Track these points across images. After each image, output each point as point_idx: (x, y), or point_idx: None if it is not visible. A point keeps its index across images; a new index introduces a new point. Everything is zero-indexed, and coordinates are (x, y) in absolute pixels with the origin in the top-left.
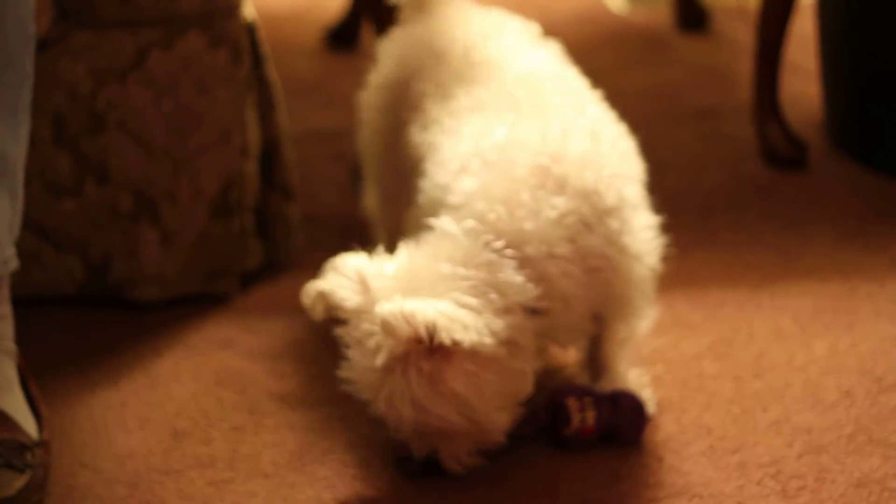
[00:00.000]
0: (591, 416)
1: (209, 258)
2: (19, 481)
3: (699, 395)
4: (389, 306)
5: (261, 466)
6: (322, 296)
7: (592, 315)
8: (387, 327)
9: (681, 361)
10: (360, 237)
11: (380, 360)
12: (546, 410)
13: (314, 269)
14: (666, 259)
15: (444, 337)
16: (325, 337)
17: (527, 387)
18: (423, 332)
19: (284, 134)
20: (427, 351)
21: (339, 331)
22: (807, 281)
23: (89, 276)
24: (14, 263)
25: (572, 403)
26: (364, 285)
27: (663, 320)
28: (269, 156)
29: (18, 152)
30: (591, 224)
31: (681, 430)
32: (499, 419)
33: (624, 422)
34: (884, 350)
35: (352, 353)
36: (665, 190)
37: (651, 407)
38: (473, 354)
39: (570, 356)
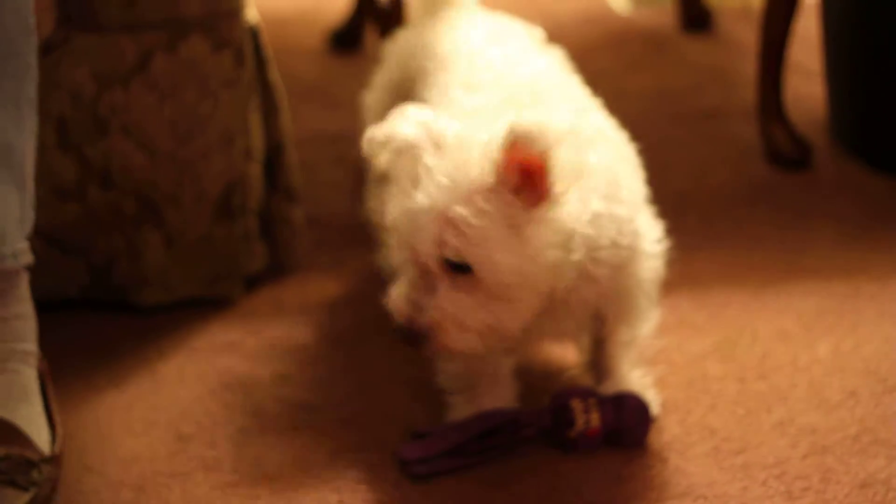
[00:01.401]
0: (595, 418)
1: (213, 261)
2: (21, 500)
3: (703, 397)
4: (526, 118)
5: (266, 469)
6: (387, 138)
7: (594, 311)
8: (524, 135)
9: (685, 362)
10: (364, 240)
11: (467, 182)
12: (550, 412)
13: (318, 272)
14: (670, 260)
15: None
16: (330, 339)
17: (557, 282)
18: (552, 147)
19: (288, 137)
20: (515, 188)
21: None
22: (811, 281)
23: (93, 279)
24: (26, 257)
25: (576, 405)
26: (428, 127)
27: (667, 321)
28: (273, 159)
29: (24, 144)
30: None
31: (685, 431)
32: (528, 303)
33: (628, 423)
34: (888, 351)
35: (403, 187)
36: (669, 191)
37: (655, 408)
38: (552, 219)
39: (573, 358)
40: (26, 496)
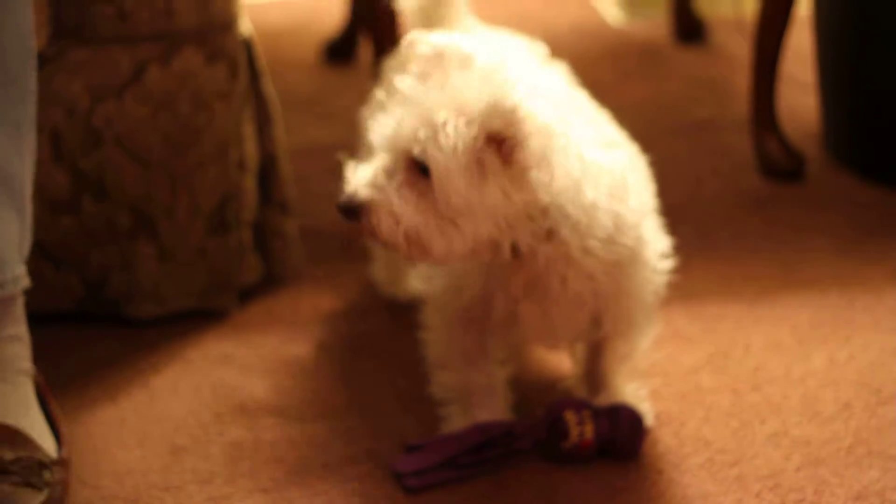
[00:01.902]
0: (589, 430)
1: (207, 274)
2: (37, 499)
3: (697, 408)
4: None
5: (260, 482)
6: (423, 42)
7: (591, 316)
8: (500, 113)
9: (679, 374)
10: (358, 252)
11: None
12: (544, 424)
13: (312, 284)
14: (667, 279)
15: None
16: (324, 352)
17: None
18: None
19: (282, 148)
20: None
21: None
22: (805, 293)
23: (87, 292)
24: (25, 281)
25: (570, 417)
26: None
27: (661, 333)
28: (267, 170)
29: (24, 169)
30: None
31: (679, 443)
32: (465, 235)
33: (622, 435)
34: (882, 362)
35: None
36: (663, 202)
37: (649, 420)
38: (521, 181)
39: (567, 370)
40: (42, 496)
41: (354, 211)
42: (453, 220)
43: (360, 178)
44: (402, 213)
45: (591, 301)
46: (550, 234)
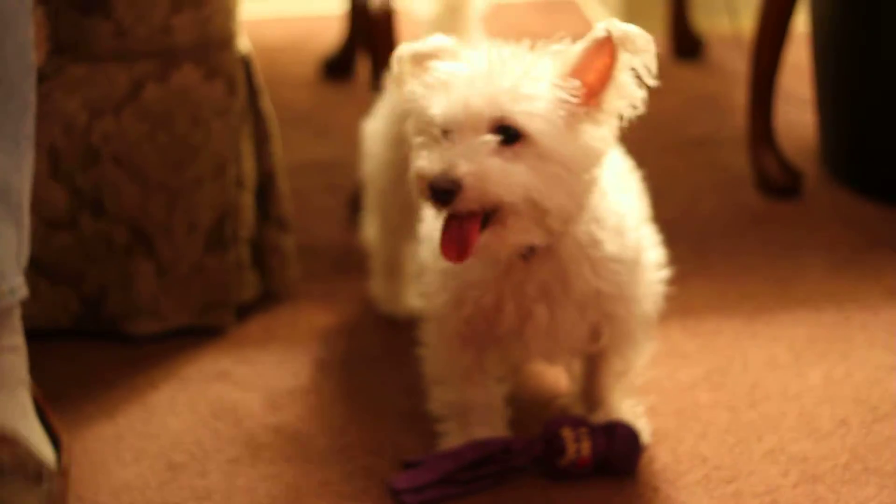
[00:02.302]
0: (586, 447)
1: (204, 290)
2: (34, 494)
3: (694, 425)
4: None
5: (257, 499)
6: (414, 55)
7: (592, 327)
8: (621, 35)
9: (676, 391)
10: (356, 268)
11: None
12: (541, 441)
13: (310, 301)
14: (664, 290)
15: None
16: (321, 368)
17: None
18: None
19: (279, 165)
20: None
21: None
22: (801, 310)
23: (84, 308)
24: (23, 292)
25: (567, 434)
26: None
27: (658, 350)
28: (265, 187)
29: (22, 182)
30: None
31: (676, 459)
32: (563, 189)
33: (619, 452)
34: (878, 379)
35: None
36: (660, 218)
37: (646, 437)
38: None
39: (564, 387)
40: (40, 500)
41: (454, 188)
42: (558, 175)
43: (439, 158)
44: (509, 172)
45: (595, 304)
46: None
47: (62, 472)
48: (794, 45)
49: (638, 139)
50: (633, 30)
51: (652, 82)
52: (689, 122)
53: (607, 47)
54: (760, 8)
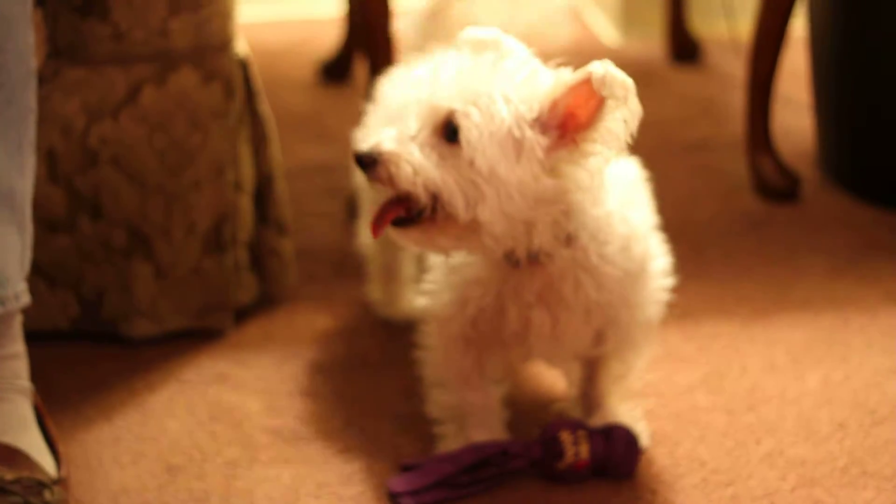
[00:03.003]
0: (584, 450)
1: (203, 293)
2: None
3: (692, 428)
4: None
5: (255, 501)
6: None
7: (596, 332)
8: (601, 79)
9: (674, 394)
10: (354, 272)
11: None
12: (539, 444)
13: (308, 304)
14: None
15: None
16: (319, 371)
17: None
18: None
19: (278, 168)
20: (551, 125)
21: None
22: (800, 313)
23: (83, 311)
24: (26, 298)
25: (566, 437)
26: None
27: (657, 353)
28: (263, 191)
29: (25, 187)
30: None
31: (674, 463)
32: (485, 209)
33: (617, 455)
34: (877, 382)
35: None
36: (658, 222)
37: (644, 440)
38: (557, 172)
39: (562, 390)
40: (41, 502)
41: (374, 160)
42: (477, 185)
43: (382, 134)
44: (422, 165)
45: (599, 312)
46: (570, 240)
47: (62, 482)
48: (792, 49)
49: (636, 143)
50: (617, 75)
51: (626, 139)
52: (686, 127)
53: (590, 88)
54: (758, 12)
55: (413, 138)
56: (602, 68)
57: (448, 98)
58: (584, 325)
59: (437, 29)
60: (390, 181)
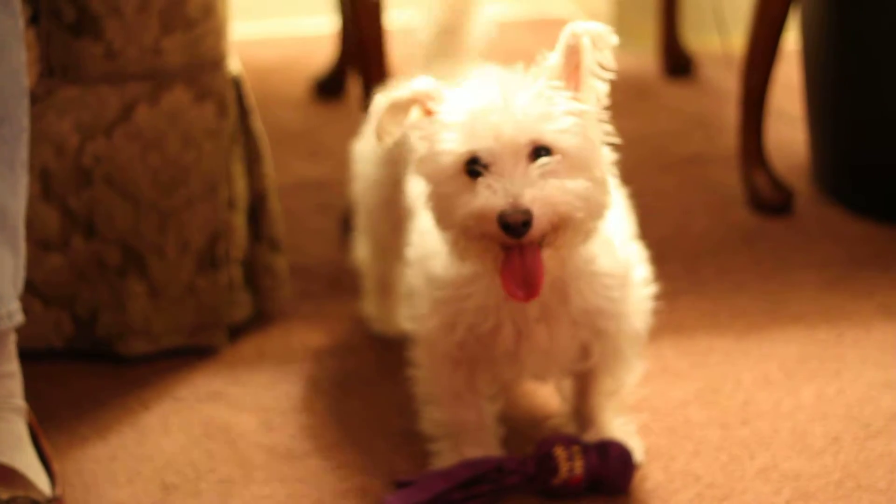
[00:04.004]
0: (579, 466)
1: (197, 311)
2: None
3: (687, 443)
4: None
5: None
6: (394, 105)
7: (582, 349)
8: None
9: (668, 409)
10: (348, 288)
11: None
12: (534, 460)
13: (302, 321)
14: (653, 306)
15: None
16: (314, 388)
17: None
18: None
19: (271, 186)
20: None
21: None
22: (793, 328)
23: (77, 329)
24: (19, 317)
25: (560, 453)
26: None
27: (650, 368)
28: (256, 208)
29: (18, 206)
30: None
31: (669, 478)
32: (598, 178)
33: (612, 471)
34: (871, 396)
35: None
36: (651, 237)
37: (639, 455)
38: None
39: (556, 406)
40: None
41: (526, 219)
42: (591, 179)
43: (504, 189)
44: (572, 188)
45: (586, 323)
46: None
47: (57, 501)
48: (785, 62)
49: (629, 157)
50: (599, 27)
51: (609, 75)
52: (680, 141)
53: (576, 47)
54: (750, 26)
55: (536, 176)
56: (586, 29)
57: (523, 128)
58: (572, 337)
59: (447, 46)
60: (553, 223)
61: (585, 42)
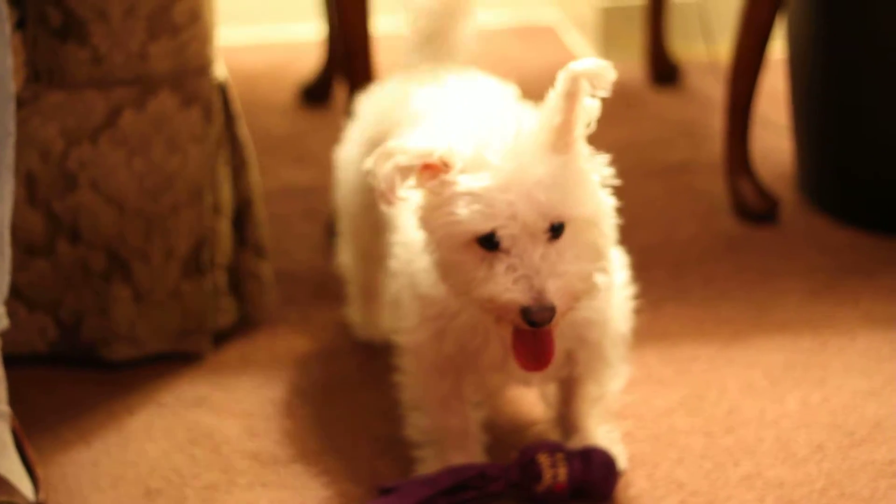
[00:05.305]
0: (562, 473)
1: (182, 316)
2: None
3: (671, 450)
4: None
5: None
6: (402, 169)
7: (565, 355)
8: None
9: (652, 416)
10: (333, 294)
11: None
12: (517, 467)
13: (287, 327)
14: (638, 314)
15: None
16: (299, 395)
17: None
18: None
19: (257, 192)
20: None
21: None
22: (778, 336)
23: (61, 334)
24: (4, 322)
25: (544, 460)
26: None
27: (635, 375)
28: (242, 214)
29: (3, 211)
30: None
31: (653, 485)
32: (607, 241)
33: (596, 477)
34: (855, 404)
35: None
36: (636, 245)
37: (623, 462)
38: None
39: (540, 413)
40: None
41: (550, 311)
42: (601, 239)
43: (526, 280)
44: (586, 264)
45: (570, 329)
46: None
47: None
48: (771, 71)
49: (615, 165)
50: (597, 66)
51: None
52: (665, 149)
53: (575, 92)
54: (737, 34)
55: (556, 262)
56: (585, 68)
57: (547, 211)
58: (558, 345)
59: (435, 51)
60: (571, 308)
61: (585, 86)
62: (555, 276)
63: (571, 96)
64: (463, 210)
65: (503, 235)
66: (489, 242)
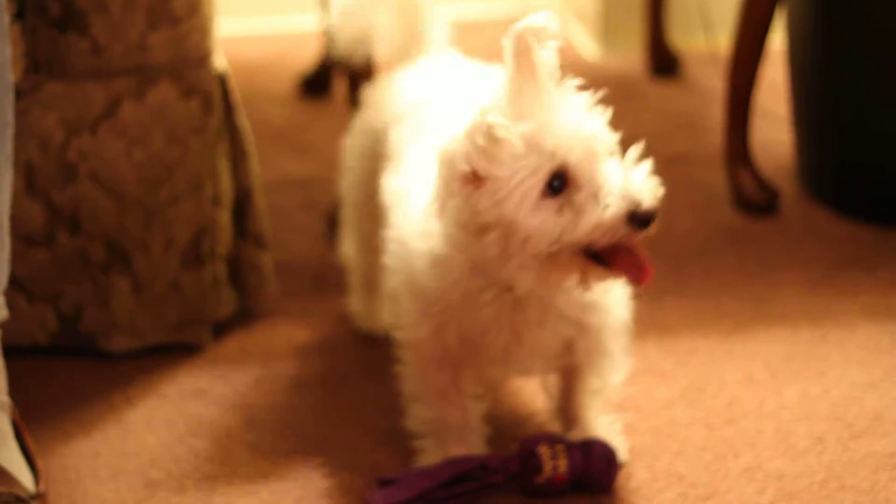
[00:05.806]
0: (562, 464)
1: (181, 307)
2: None
3: (671, 442)
4: None
5: None
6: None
7: (565, 344)
8: None
9: (653, 409)
10: (333, 285)
11: None
12: (518, 458)
13: (287, 318)
14: (638, 306)
15: None
16: (298, 386)
17: None
18: None
19: (256, 182)
20: None
21: None
22: (778, 328)
23: (61, 325)
24: (3, 313)
25: (544, 451)
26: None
27: (635, 368)
28: (241, 205)
29: (2, 201)
30: None
31: (653, 477)
32: None
33: (596, 469)
34: (855, 396)
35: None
36: None
37: (623, 454)
38: None
39: (541, 404)
40: None
41: (655, 213)
42: None
43: (624, 190)
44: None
45: (568, 317)
46: None
47: (41, 497)
48: (771, 62)
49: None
50: (540, 19)
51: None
52: (665, 140)
53: (523, 46)
54: (737, 26)
55: (640, 172)
56: (527, 24)
57: (599, 138)
58: (557, 334)
59: (408, 49)
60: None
61: (532, 42)
62: (632, 180)
63: (523, 54)
64: (531, 158)
65: (573, 163)
66: (559, 183)
